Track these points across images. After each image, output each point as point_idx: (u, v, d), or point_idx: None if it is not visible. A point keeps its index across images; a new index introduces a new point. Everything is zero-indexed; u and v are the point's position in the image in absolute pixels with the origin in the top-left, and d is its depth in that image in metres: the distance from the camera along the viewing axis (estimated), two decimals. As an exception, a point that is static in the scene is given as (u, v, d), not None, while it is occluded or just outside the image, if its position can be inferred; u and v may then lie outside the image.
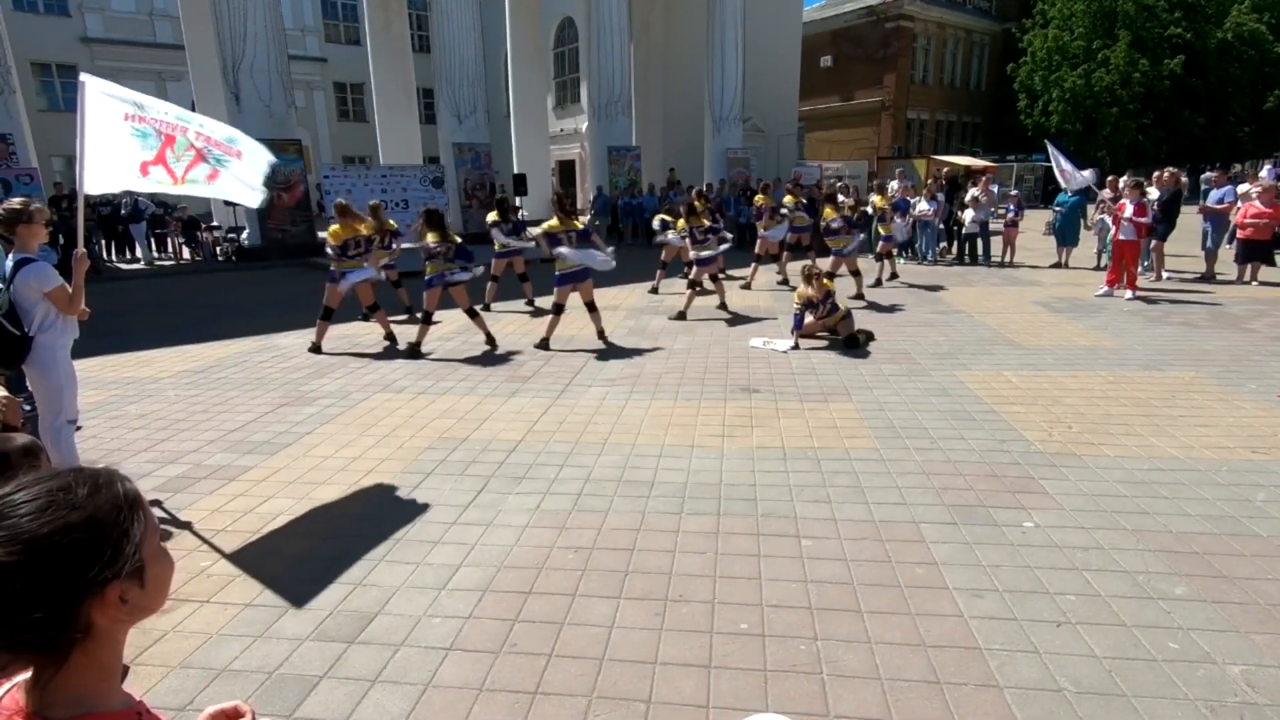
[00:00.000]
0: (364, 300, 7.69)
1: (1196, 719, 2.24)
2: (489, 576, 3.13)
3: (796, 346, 7.25)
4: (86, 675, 0.78)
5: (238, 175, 4.24)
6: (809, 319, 7.40)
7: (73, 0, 26.22)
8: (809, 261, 8.16)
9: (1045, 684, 2.40)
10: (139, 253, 15.98)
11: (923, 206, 13.48)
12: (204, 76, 18.75)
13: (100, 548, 0.75)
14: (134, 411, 5.60)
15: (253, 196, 4.30)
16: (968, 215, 13.03)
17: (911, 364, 6.52)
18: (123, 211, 15.39)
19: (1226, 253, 11.02)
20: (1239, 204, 10.69)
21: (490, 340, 7.50)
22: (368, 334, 8.10)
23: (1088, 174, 12.13)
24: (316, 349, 7.35)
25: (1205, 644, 2.59)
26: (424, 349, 7.27)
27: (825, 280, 7.42)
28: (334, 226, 7.36)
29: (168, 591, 0.86)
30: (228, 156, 4.22)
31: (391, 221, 9.14)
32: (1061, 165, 11.92)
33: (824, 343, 7.32)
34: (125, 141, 3.78)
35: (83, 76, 3.73)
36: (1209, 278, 10.77)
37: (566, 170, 28.04)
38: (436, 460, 4.48)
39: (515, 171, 20.36)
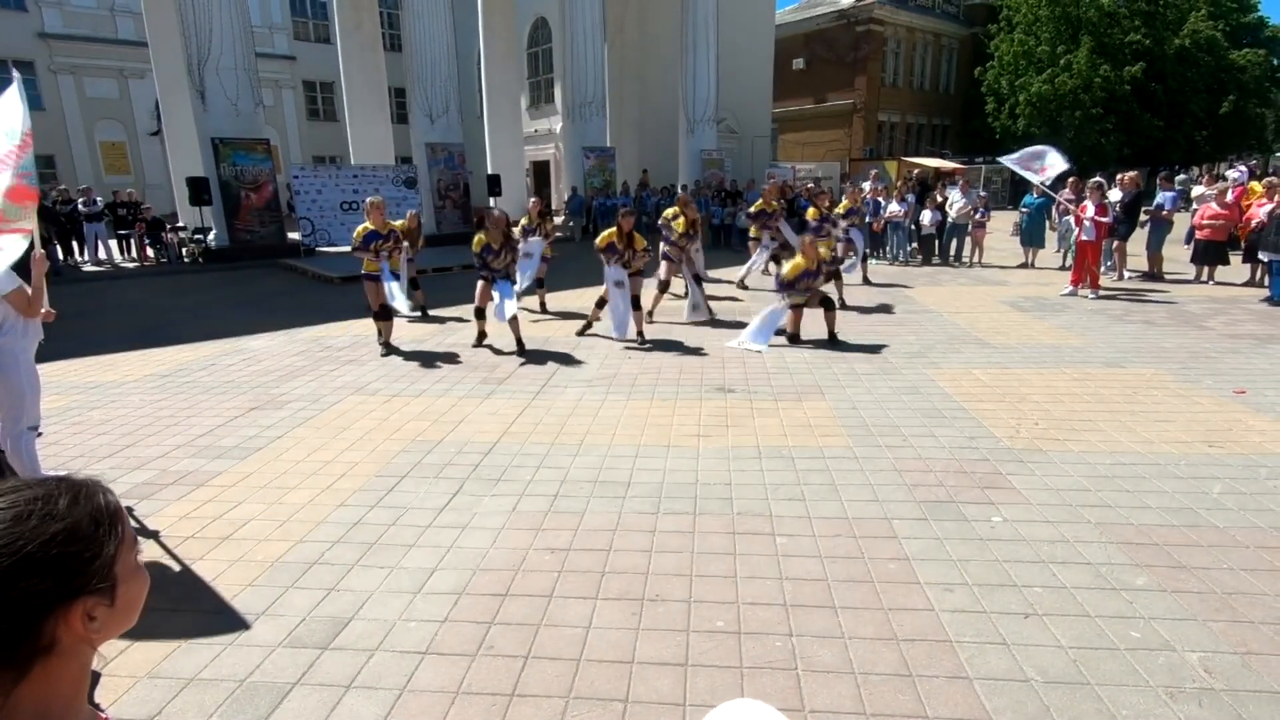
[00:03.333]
0: (374, 301, 7.40)
1: (1157, 705, 2.32)
2: (465, 579, 3.12)
3: (785, 333, 7.26)
4: (49, 693, 0.75)
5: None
6: (792, 300, 7.27)
7: (30, -6, 25.47)
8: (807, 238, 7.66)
9: (1013, 674, 2.46)
10: (87, 253, 15.32)
11: (893, 208, 13.72)
12: (168, 74, 18.27)
13: (70, 562, 0.72)
14: (98, 417, 5.47)
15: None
16: (925, 216, 13.25)
17: (883, 362, 6.62)
18: (79, 209, 14.92)
19: (1184, 252, 11.34)
20: (1195, 205, 10.98)
21: (520, 346, 7.28)
22: (339, 335, 8.00)
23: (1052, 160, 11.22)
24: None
25: (1165, 632, 2.67)
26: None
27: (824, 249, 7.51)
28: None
29: (139, 610, 0.83)
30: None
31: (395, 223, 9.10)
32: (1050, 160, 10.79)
33: (809, 342, 7.34)
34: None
35: (15, 73, 3.67)
36: (1156, 276, 11.09)
37: (541, 171, 27.92)
38: (411, 463, 4.44)
39: (489, 172, 20.23)
